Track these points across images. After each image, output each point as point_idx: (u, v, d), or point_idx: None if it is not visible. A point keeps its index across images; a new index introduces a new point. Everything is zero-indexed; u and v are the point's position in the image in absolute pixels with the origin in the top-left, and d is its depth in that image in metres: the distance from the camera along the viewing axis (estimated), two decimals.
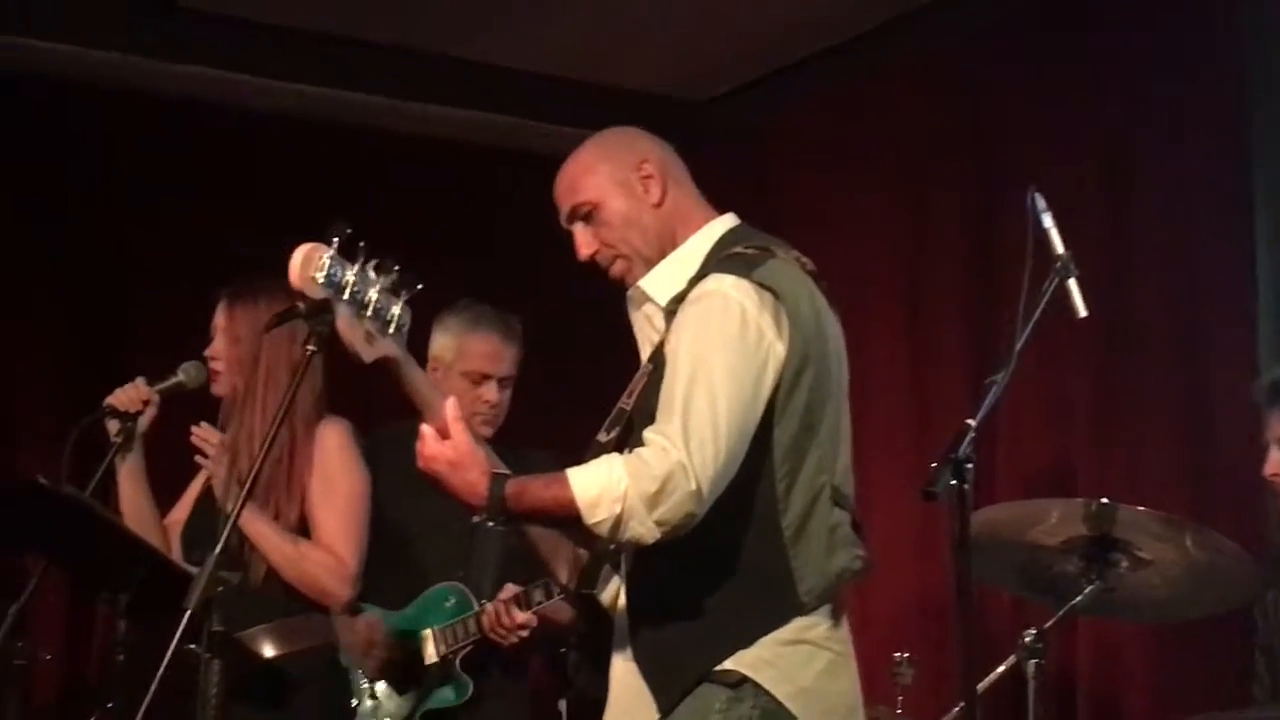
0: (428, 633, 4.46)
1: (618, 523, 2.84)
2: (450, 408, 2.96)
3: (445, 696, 4.44)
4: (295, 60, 5.78)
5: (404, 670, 4.46)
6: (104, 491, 4.06)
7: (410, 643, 4.46)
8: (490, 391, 4.52)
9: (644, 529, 2.84)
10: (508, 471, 2.94)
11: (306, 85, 5.87)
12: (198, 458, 3.96)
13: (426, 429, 2.97)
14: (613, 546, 2.98)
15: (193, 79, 5.74)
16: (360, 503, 4.04)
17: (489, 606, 4.32)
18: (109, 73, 5.68)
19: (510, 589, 4.29)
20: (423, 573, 4.51)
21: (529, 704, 4.63)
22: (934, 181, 5.48)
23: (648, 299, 3.13)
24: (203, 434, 3.95)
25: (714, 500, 2.87)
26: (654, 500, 2.83)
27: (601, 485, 2.85)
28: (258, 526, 3.89)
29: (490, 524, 2.90)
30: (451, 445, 2.93)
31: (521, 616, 4.30)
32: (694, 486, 2.83)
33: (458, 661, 4.43)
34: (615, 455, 2.91)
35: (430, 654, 4.46)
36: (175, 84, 5.76)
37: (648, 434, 2.90)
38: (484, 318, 4.58)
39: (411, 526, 4.46)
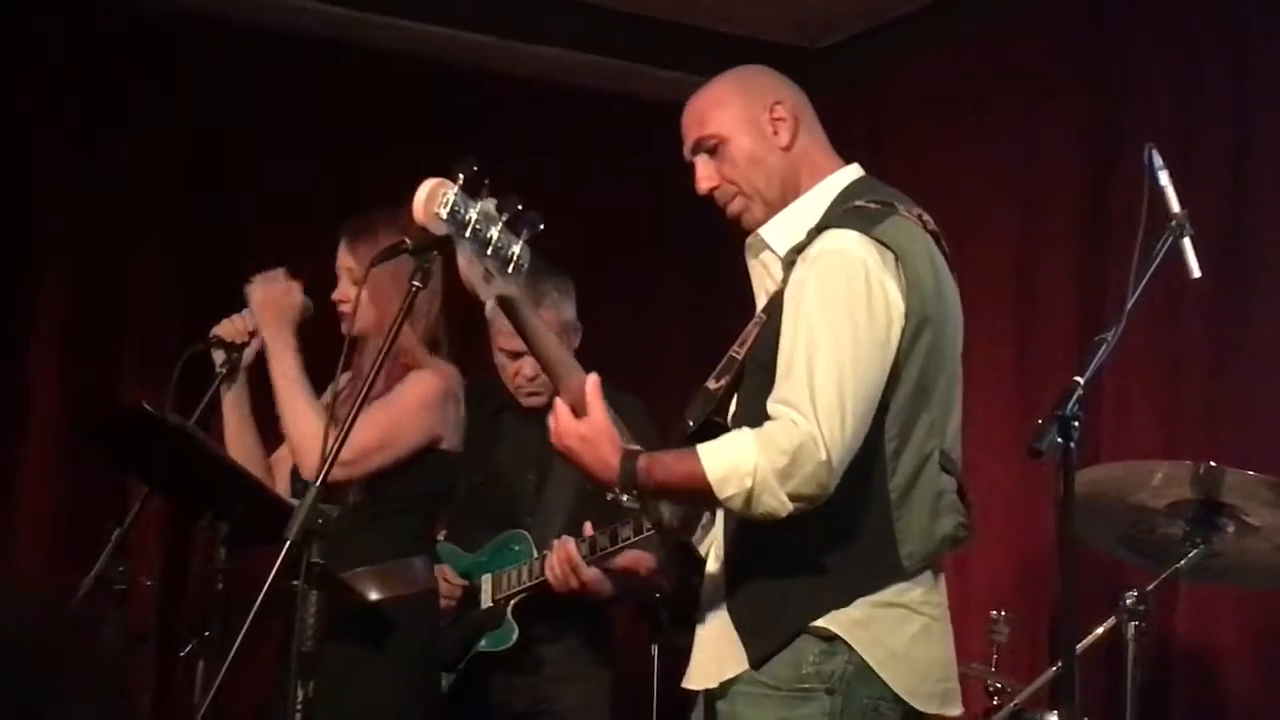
0: (486, 576, 4.48)
1: (749, 497, 2.83)
2: (591, 385, 2.93)
3: (494, 641, 4.45)
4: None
5: (463, 612, 4.47)
6: (207, 422, 4.08)
7: (472, 586, 4.48)
8: (527, 365, 4.37)
9: (776, 502, 2.82)
10: (639, 448, 2.93)
11: (423, 24, 5.87)
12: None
13: (560, 405, 2.95)
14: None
15: (317, 16, 5.75)
16: (401, 429, 3.93)
17: (555, 544, 4.27)
18: (236, 9, 5.71)
19: (590, 527, 4.22)
20: (501, 517, 4.51)
21: (604, 653, 4.58)
22: (1047, 135, 5.40)
23: (766, 246, 3.09)
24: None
25: (844, 470, 2.84)
26: (785, 473, 2.81)
27: (731, 461, 2.83)
28: (292, 390, 3.88)
29: (625, 499, 2.90)
30: (586, 421, 2.91)
31: (587, 569, 4.20)
32: (824, 457, 2.80)
33: (510, 607, 4.41)
34: (745, 430, 2.87)
35: (485, 598, 4.47)
36: (300, 20, 5.78)
37: (773, 406, 2.87)
38: None
39: (491, 471, 4.47)
